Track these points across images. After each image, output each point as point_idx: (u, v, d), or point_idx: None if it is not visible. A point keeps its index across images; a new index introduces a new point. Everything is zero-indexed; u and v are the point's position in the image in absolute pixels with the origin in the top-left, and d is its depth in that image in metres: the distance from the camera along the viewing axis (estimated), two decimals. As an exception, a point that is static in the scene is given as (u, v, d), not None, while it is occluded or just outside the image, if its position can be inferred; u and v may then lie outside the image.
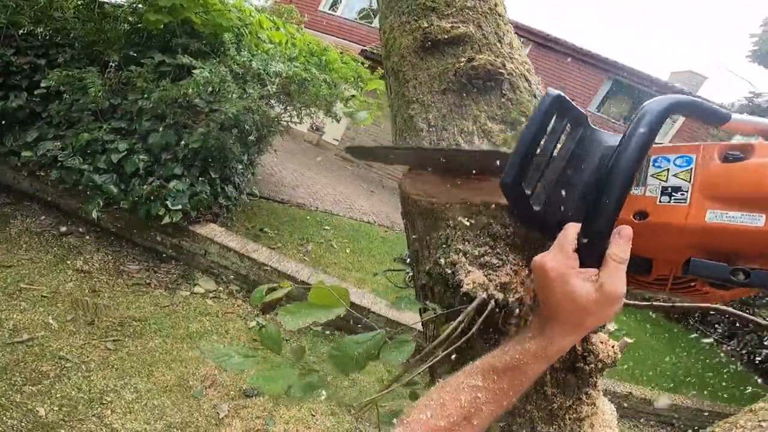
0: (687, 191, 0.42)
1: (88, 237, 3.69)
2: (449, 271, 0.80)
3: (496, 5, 0.90)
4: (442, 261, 0.82)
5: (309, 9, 11.64)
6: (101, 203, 3.41)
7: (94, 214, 3.42)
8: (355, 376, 3.09)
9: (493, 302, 0.73)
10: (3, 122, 3.52)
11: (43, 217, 3.68)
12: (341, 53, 4.24)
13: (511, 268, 0.73)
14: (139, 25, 3.55)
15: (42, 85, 3.48)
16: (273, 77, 3.20)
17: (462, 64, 0.82)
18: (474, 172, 0.89)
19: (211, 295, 3.56)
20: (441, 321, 0.78)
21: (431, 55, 0.89)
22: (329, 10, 12.27)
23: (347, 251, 5.41)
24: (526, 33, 10.77)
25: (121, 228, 3.82)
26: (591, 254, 0.44)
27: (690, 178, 0.42)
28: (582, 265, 0.44)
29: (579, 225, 0.47)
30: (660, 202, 0.45)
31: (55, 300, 2.84)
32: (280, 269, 3.70)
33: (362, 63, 4.37)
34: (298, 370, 0.65)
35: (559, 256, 0.45)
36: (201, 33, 3.55)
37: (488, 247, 0.76)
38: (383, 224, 7.18)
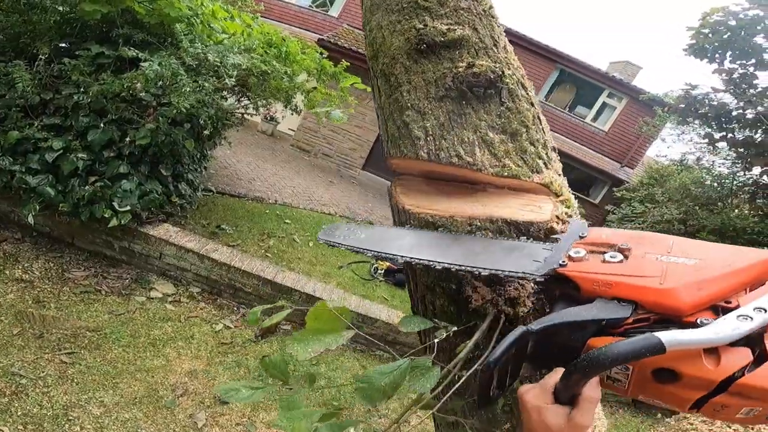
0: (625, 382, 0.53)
1: (24, 243, 3.35)
2: (453, 287, 0.79)
3: (490, 8, 0.88)
4: (445, 275, 0.81)
5: (264, -4, 11.01)
6: (37, 207, 3.09)
7: (30, 219, 3.10)
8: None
9: (503, 317, 0.73)
10: None
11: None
12: (300, 42, 4.06)
13: (518, 283, 0.73)
14: (72, 15, 3.21)
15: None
16: (231, 70, 3.00)
17: (461, 69, 0.79)
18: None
19: (170, 299, 3.37)
20: (449, 336, 0.76)
21: (426, 58, 0.85)
22: (284, -4, 11.69)
23: (310, 245, 5.31)
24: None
25: (62, 232, 3.50)
26: (566, 396, 0.52)
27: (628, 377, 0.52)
28: (558, 401, 0.52)
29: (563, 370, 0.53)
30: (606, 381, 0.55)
31: (-4, 313, 2.57)
32: (243, 268, 3.56)
33: (321, 53, 4.22)
34: (322, 410, 0.62)
35: (538, 392, 0.54)
36: (145, 23, 3.26)
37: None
38: (344, 215, 7.11)
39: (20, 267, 3.07)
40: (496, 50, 0.83)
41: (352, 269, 4.98)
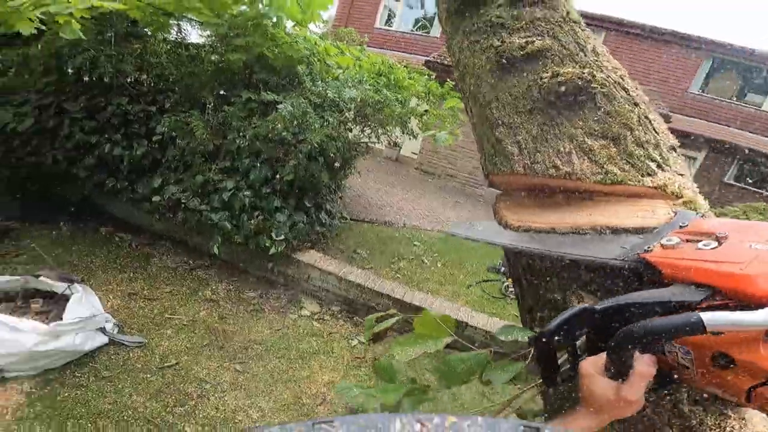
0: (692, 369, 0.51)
1: (212, 269, 4.19)
2: (558, 297, 0.77)
3: (568, 13, 0.86)
4: (550, 285, 0.80)
5: (366, 27, 11.87)
6: (220, 239, 3.84)
7: (216, 250, 3.84)
8: (456, 390, 3.04)
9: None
10: (132, 171, 3.98)
11: (176, 254, 4.28)
12: (407, 68, 4.27)
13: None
14: (222, 65, 3.66)
15: (157, 131, 3.81)
16: (348, 103, 3.32)
17: (546, 80, 0.80)
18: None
19: (316, 317, 3.81)
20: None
21: (509, 74, 0.88)
22: (385, 25, 12.33)
23: (438, 265, 5.40)
24: (597, 21, 10.04)
25: (238, 260, 4.27)
26: (613, 368, 0.53)
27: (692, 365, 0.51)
28: (609, 373, 0.54)
29: None
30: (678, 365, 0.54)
31: (193, 327, 3.26)
32: (376, 289, 3.82)
33: (429, 75, 4.36)
34: (406, 386, 0.70)
35: (594, 360, 0.56)
36: (276, 67, 3.63)
37: (596, 273, 0.72)
38: (472, 233, 7.02)
39: (210, 289, 3.85)
40: (583, 55, 0.82)
41: (482, 288, 4.89)
